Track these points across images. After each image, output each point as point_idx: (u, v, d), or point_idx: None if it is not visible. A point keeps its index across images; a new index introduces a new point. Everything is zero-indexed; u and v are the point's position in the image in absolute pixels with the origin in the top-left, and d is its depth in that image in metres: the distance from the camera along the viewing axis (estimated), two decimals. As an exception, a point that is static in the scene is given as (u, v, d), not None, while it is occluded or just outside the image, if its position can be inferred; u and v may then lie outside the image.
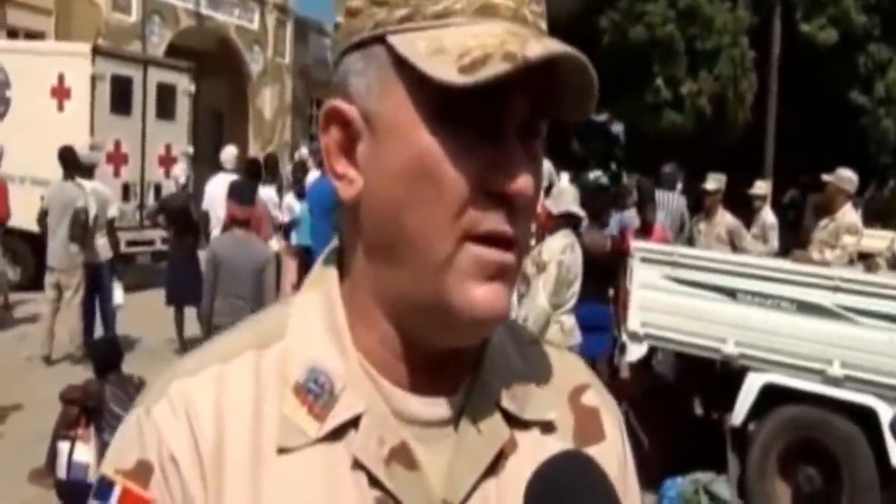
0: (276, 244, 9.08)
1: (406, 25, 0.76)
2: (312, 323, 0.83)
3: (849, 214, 7.43)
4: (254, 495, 0.76)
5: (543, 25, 0.80)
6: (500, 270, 0.77)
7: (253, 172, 8.96)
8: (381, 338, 0.81)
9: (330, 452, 0.78)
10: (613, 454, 0.91)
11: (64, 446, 5.25)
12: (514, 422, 0.84)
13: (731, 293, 5.64)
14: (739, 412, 5.50)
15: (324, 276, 0.86)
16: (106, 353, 5.76)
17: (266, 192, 9.45)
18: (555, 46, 0.73)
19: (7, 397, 7.30)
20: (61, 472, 5.24)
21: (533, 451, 0.81)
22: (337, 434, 0.78)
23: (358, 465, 0.78)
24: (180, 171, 9.81)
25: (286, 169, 14.73)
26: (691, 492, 5.52)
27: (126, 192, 12.83)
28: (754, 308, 5.53)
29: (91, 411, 5.34)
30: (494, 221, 0.76)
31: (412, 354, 0.81)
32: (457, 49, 0.73)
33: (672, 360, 6.19)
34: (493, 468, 0.81)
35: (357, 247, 0.82)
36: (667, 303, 5.88)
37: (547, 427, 0.86)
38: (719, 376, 5.84)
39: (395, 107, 0.76)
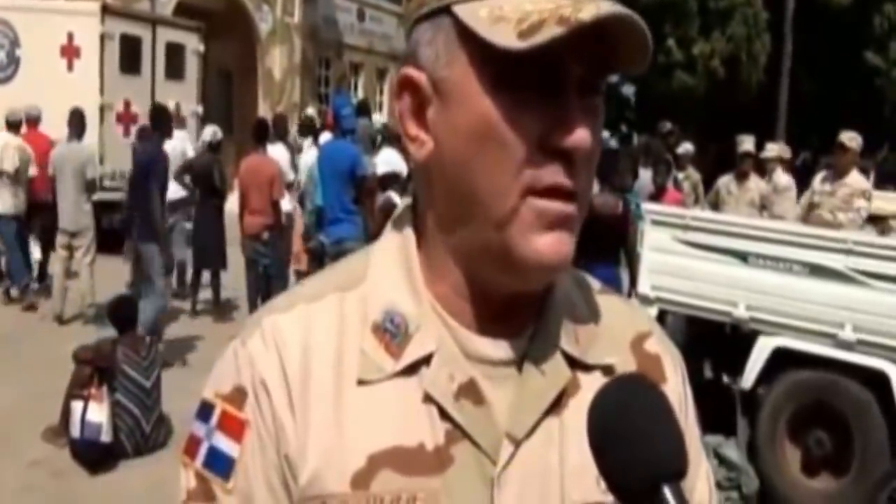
0: (288, 203, 9.06)
1: None
2: (390, 269, 0.90)
3: (861, 180, 7.40)
4: (336, 420, 0.84)
5: None
6: (561, 220, 0.83)
7: (260, 133, 8.87)
8: (453, 284, 0.88)
9: (404, 386, 0.85)
10: (674, 396, 0.94)
11: (77, 406, 5.31)
12: (577, 364, 0.90)
13: (743, 256, 5.61)
14: (749, 375, 5.50)
15: (400, 228, 0.92)
16: (126, 312, 5.82)
17: (277, 151, 9.36)
18: (607, 8, 0.76)
19: (20, 356, 7.37)
20: (75, 432, 5.30)
21: (595, 392, 0.83)
22: (411, 370, 0.85)
23: (429, 398, 0.85)
24: (210, 132, 9.74)
25: (294, 129, 14.66)
26: (701, 454, 5.54)
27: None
28: (766, 271, 5.50)
29: (103, 371, 5.39)
30: (554, 176, 0.81)
31: (481, 299, 0.88)
32: (516, 15, 0.78)
33: (682, 323, 6.18)
34: (556, 407, 0.87)
35: (429, 202, 0.89)
36: (678, 266, 5.85)
37: (608, 370, 0.90)
38: (730, 340, 5.83)
39: (460, 72, 0.82)
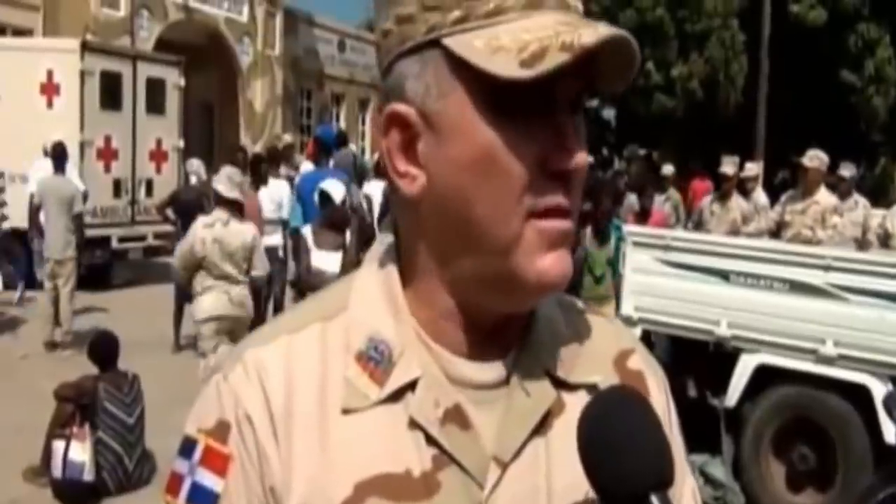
0: (278, 238, 9.09)
1: (460, 27, 0.81)
2: (372, 297, 0.90)
3: (829, 196, 7.51)
4: (321, 450, 0.83)
5: (581, 7, 0.85)
6: (561, 238, 0.83)
7: (255, 167, 8.93)
8: (441, 311, 0.87)
9: (390, 413, 0.84)
10: (658, 413, 0.94)
11: (59, 445, 5.23)
12: (561, 385, 0.90)
13: (724, 275, 5.64)
14: (733, 393, 5.52)
15: (383, 259, 0.92)
16: (106, 349, 5.75)
17: (278, 186, 9.32)
18: (605, 31, 0.77)
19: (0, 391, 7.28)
20: (56, 472, 5.23)
21: (579, 412, 0.83)
22: (396, 396, 0.85)
23: (415, 424, 0.84)
24: (198, 166, 9.68)
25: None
26: (687, 474, 5.53)
27: (117, 187, 12.78)
28: (747, 289, 5.54)
29: (85, 409, 5.33)
30: (554, 197, 0.82)
31: (469, 324, 0.87)
32: (515, 45, 0.78)
33: (666, 343, 6.19)
34: (542, 428, 0.87)
35: (420, 235, 0.87)
36: (660, 286, 5.88)
37: (592, 390, 0.90)
38: (713, 358, 5.84)
39: (454, 105, 0.81)
